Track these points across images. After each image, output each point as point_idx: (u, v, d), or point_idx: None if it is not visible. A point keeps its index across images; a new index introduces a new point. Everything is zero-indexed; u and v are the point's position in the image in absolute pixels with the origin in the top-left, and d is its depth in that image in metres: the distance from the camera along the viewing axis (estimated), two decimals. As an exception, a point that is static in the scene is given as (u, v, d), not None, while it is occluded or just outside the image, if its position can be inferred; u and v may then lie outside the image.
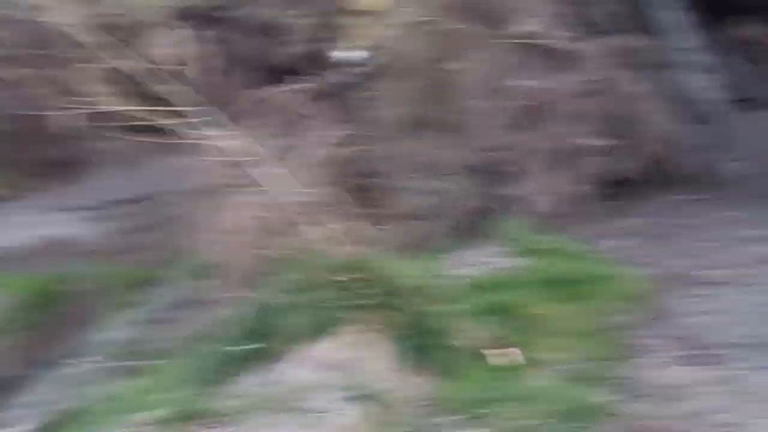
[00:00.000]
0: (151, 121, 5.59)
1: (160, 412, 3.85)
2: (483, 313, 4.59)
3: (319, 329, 4.17)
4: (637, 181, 7.13)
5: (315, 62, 7.31)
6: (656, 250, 6.24)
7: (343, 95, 7.14)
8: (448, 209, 6.95)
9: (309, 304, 4.24)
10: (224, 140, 5.56)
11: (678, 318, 4.94)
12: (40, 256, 7.81)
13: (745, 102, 8.37)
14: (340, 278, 4.29)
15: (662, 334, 4.69)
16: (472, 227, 6.76)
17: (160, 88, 5.61)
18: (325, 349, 4.17)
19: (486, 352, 4.25)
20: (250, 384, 4.02)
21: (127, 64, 5.71)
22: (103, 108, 5.60)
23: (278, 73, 7.17)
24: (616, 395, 3.88)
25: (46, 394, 5.69)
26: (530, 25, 7.08)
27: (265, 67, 7.61)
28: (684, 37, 7.88)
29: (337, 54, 7.40)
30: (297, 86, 6.68)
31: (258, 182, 5.07)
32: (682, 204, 7.13)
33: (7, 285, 7.06)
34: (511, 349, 4.29)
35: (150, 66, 5.67)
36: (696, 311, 5.00)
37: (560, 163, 6.92)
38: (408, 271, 4.76)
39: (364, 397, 3.83)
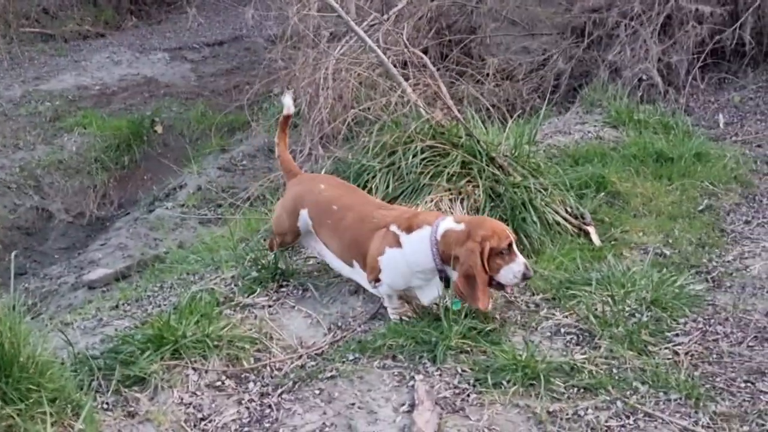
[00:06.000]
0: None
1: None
2: (571, 186, 4.42)
3: (403, 194, 4.08)
4: (741, 53, 6.72)
5: None
6: (760, 127, 5.94)
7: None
8: (542, 70, 6.70)
9: (394, 168, 4.14)
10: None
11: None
12: (128, 96, 7.85)
13: None
14: (427, 143, 4.16)
15: (761, 220, 4.48)
16: (566, 92, 6.52)
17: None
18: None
19: (571, 227, 4.12)
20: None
21: None
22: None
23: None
24: (706, 283, 3.73)
25: (132, 237, 5.81)
26: None
27: None
28: None
29: None
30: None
31: (360, 38, 4.83)
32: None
33: (99, 126, 7.12)
34: (590, 227, 4.14)
35: None
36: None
37: (663, 29, 6.54)
38: (497, 137, 4.60)
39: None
